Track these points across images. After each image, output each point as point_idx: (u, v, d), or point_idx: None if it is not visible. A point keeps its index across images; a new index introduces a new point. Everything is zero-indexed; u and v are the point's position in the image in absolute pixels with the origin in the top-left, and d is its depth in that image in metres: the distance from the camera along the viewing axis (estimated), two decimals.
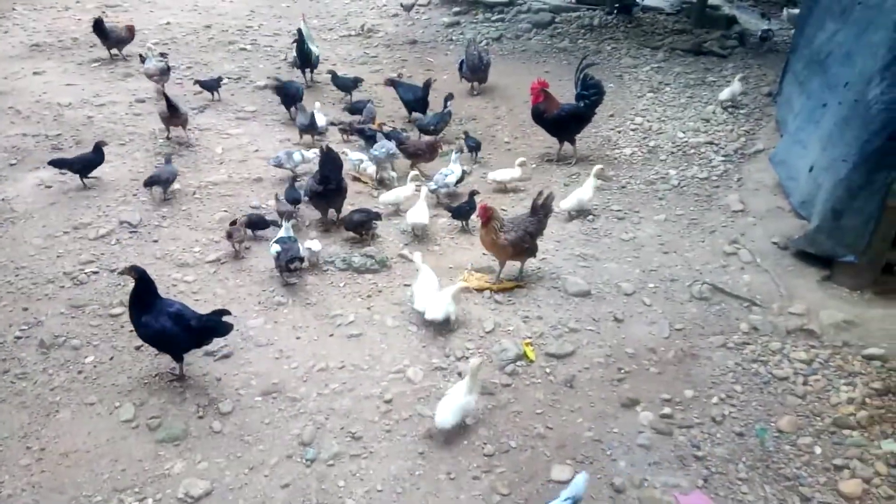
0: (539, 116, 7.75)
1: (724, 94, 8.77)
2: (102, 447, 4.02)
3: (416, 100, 8.60)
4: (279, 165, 6.95)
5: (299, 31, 9.38)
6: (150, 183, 6.48)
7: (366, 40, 11.79)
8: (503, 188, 7.19)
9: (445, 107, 8.15)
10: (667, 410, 4.37)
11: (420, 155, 7.26)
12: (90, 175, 6.71)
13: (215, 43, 11.24)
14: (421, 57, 11.11)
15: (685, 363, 4.79)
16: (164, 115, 7.63)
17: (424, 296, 5.06)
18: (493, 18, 12.73)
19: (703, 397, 4.50)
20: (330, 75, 9.22)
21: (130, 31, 10.04)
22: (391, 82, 8.81)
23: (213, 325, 4.34)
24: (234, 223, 5.81)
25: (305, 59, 9.49)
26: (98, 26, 9.81)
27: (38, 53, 10.40)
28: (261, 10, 13.23)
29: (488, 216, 5.33)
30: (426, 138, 7.57)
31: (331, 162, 6.01)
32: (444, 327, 5.01)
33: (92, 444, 4.03)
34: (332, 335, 5.01)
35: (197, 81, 8.99)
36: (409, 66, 10.49)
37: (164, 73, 8.78)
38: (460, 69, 9.71)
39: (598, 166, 6.77)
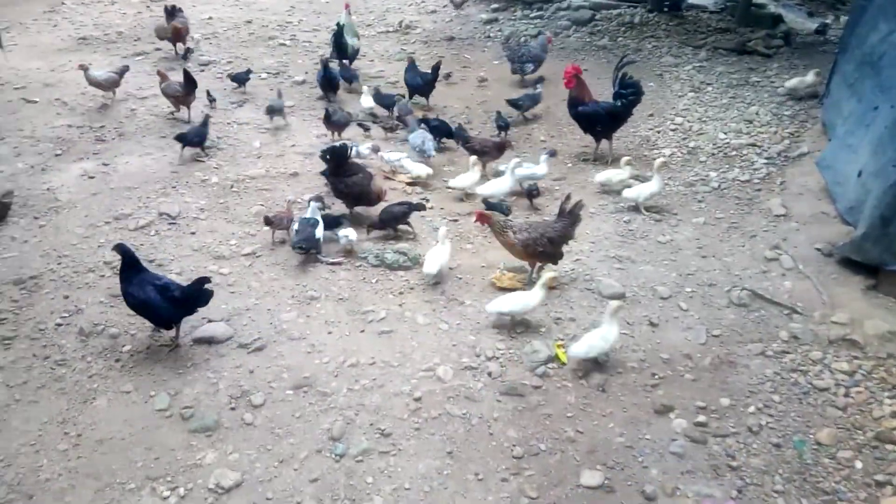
0: (574, 107, 7.67)
1: (793, 82, 8.66)
2: (137, 435, 4.10)
3: (424, 84, 8.81)
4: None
5: (338, 23, 9.50)
6: (270, 112, 7.86)
7: (403, 36, 11.80)
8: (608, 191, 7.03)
9: (536, 89, 8.80)
10: (701, 418, 4.27)
11: (486, 153, 7.22)
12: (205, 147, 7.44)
13: (255, 38, 11.39)
14: (458, 54, 11.08)
15: (722, 370, 4.68)
16: (177, 94, 7.84)
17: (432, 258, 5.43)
18: (532, 15, 12.63)
19: (739, 406, 4.38)
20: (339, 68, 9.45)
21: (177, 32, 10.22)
22: (410, 60, 9.11)
23: (196, 295, 4.58)
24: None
25: (341, 51, 9.65)
26: (171, 12, 10.13)
27: (85, 46, 10.69)
28: (300, 5, 13.36)
29: (485, 221, 5.44)
30: (495, 139, 7.63)
31: (333, 159, 6.19)
32: (493, 321, 4.98)
33: (127, 432, 4.11)
34: (363, 331, 5.02)
35: (230, 77, 9.14)
36: (446, 63, 10.42)
37: (114, 84, 8.43)
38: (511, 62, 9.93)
39: (661, 159, 6.82)
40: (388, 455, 4.03)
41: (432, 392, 4.48)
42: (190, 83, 7.82)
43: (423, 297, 5.38)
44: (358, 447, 4.05)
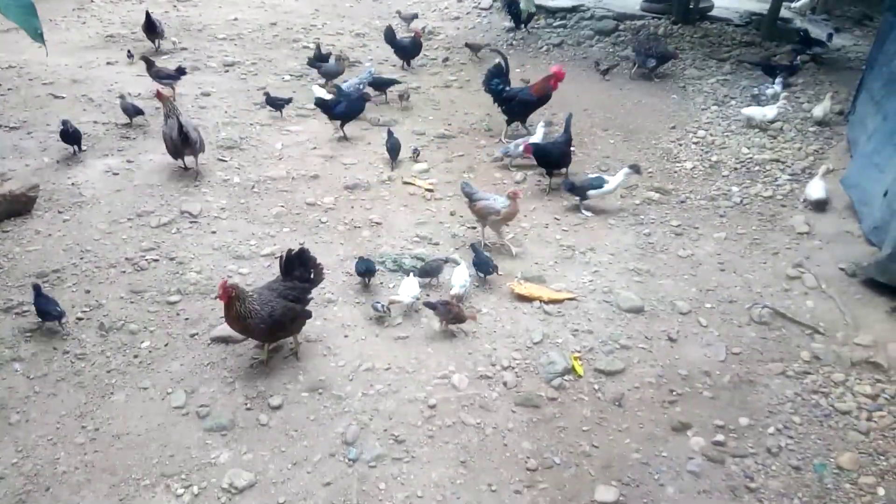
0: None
1: (817, 110, 8.45)
2: (153, 431, 4.12)
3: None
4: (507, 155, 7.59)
5: None
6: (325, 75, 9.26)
7: (426, 42, 11.81)
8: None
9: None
10: (720, 437, 4.21)
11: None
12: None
13: (280, 40, 11.48)
14: (480, 62, 11.06)
15: (741, 389, 4.62)
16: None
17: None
18: (555, 24, 12.58)
19: (758, 426, 4.32)
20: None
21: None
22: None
23: None
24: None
25: (517, 18, 11.51)
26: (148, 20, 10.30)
27: (112, 44, 10.85)
28: (325, 9, 13.45)
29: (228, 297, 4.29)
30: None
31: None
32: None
33: (143, 428, 4.14)
34: (378, 335, 5.02)
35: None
36: (466, 70, 10.47)
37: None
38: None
39: (825, 166, 7.05)
40: (401, 462, 4.02)
41: (447, 400, 4.46)
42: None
43: None
44: (371, 452, 4.04)
